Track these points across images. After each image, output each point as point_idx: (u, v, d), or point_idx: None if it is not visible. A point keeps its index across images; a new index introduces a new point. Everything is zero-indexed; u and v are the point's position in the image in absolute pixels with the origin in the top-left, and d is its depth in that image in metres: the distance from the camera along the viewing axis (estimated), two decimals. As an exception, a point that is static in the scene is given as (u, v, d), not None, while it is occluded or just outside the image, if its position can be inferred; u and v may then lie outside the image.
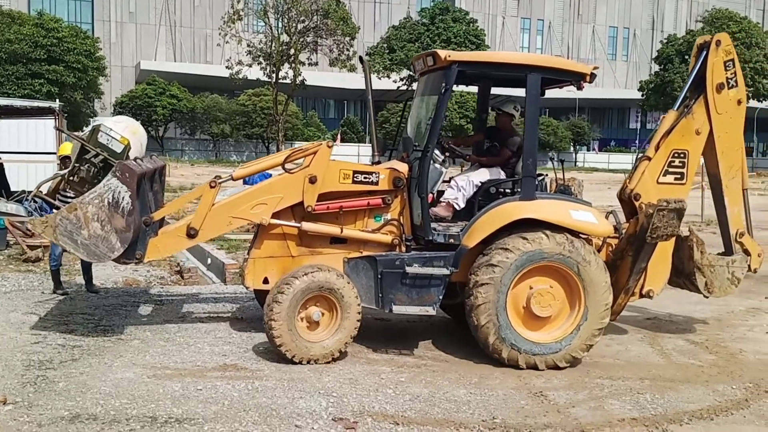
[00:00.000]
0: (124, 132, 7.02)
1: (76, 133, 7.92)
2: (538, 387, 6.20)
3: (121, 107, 50.32)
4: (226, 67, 47.68)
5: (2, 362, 6.27)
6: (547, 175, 7.62)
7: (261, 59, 48.03)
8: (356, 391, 5.92)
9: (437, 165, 7.06)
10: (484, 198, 7.16)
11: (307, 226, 6.90)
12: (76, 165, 6.97)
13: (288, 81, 47.79)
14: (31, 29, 40.87)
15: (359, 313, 6.60)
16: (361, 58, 8.28)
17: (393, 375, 6.40)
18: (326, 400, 5.67)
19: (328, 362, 6.54)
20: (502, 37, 71.48)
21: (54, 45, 41.32)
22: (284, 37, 47.65)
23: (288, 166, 6.96)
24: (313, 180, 6.82)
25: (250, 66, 47.57)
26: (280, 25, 47.72)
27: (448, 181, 7.49)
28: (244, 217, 6.94)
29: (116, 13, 59.16)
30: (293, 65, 47.65)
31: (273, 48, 47.48)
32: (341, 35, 47.13)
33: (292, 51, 47.34)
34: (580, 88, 7.24)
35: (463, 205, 7.29)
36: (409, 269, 6.79)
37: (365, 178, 6.99)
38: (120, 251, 6.41)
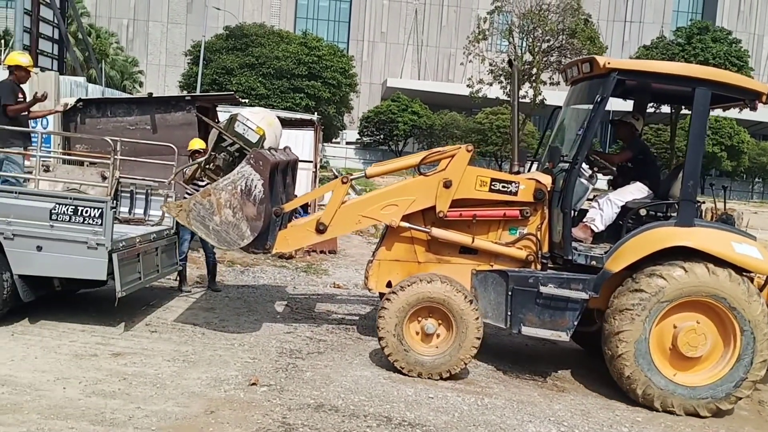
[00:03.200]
0: (260, 122, 7.12)
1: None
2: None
3: (367, 121, 53.45)
4: (467, 85, 48.55)
5: (259, 347, 6.95)
6: (703, 202, 6.92)
7: (502, 78, 48.28)
8: (588, 424, 5.74)
9: (584, 180, 6.56)
10: (633, 220, 6.56)
11: (437, 232, 6.70)
12: (213, 153, 7.18)
13: (527, 100, 47.50)
14: (296, 48, 44.87)
15: (478, 329, 6.25)
16: (510, 62, 7.91)
17: (629, 413, 6.10)
18: (556, 428, 5.56)
19: (441, 379, 6.37)
20: (769, 60, 64.77)
21: (314, 62, 44.94)
22: (527, 57, 47.47)
23: (423, 168, 6.75)
24: (447, 184, 6.59)
25: (491, 85, 47.98)
26: (524, 44, 47.66)
27: (593, 200, 6.95)
28: (373, 217, 6.84)
29: (369, 33, 63.08)
30: (534, 84, 47.28)
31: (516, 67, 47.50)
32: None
33: (534, 70, 47.03)
34: (753, 108, 6.41)
35: (601, 228, 6.75)
36: (543, 289, 6.37)
37: (504, 187, 6.65)
38: (249, 239, 6.52)
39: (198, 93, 30.29)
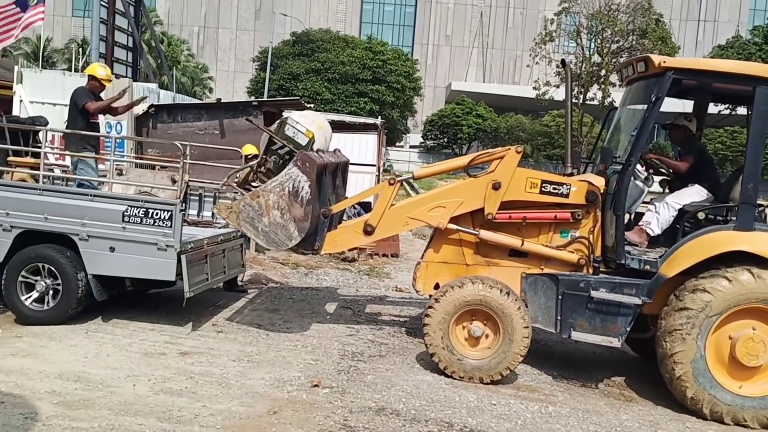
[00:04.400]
0: (310, 125, 7.13)
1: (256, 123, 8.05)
2: None
3: (431, 125, 53.37)
4: (534, 88, 47.97)
5: (322, 349, 7.01)
6: (766, 206, 6.65)
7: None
8: (656, 436, 5.51)
9: (638, 182, 6.38)
10: (690, 224, 6.34)
11: (485, 234, 6.60)
12: (264, 156, 7.22)
13: (596, 102, 46.54)
14: (361, 52, 45.26)
15: (526, 337, 6.14)
16: (563, 61, 7.65)
17: (700, 425, 5.89)
18: (624, 440, 5.36)
19: (488, 383, 6.29)
20: None
21: (379, 67, 45.24)
22: (596, 58, 46.54)
23: (471, 170, 6.65)
24: (496, 186, 6.48)
25: (558, 87, 47.25)
26: (592, 45, 46.75)
27: (649, 202, 6.75)
28: (421, 219, 6.77)
29: (434, 36, 63.00)
30: (602, 86, 46.31)
31: (583, 69, 46.64)
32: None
33: (602, 72, 46.09)
34: None
35: (657, 232, 6.55)
36: (594, 293, 6.21)
37: (555, 189, 6.50)
38: (297, 240, 6.55)
39: (265, 98, 30.85)
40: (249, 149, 9.29)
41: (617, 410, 6.09)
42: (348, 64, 44.38)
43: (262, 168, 7.22)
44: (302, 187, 6.49)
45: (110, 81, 8.95)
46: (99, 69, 8.83)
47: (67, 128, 8.58)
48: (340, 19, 61.49)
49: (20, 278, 7.14)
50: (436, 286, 6.77)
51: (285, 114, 8.49)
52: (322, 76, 44.13)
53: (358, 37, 52.38)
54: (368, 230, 6.84)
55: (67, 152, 8.63)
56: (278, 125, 7.20)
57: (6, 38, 15.26)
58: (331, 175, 7.47)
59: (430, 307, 6.37)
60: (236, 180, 7.52)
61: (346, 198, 7.82)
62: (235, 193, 8.39)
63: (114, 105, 8.93)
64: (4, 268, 7.18)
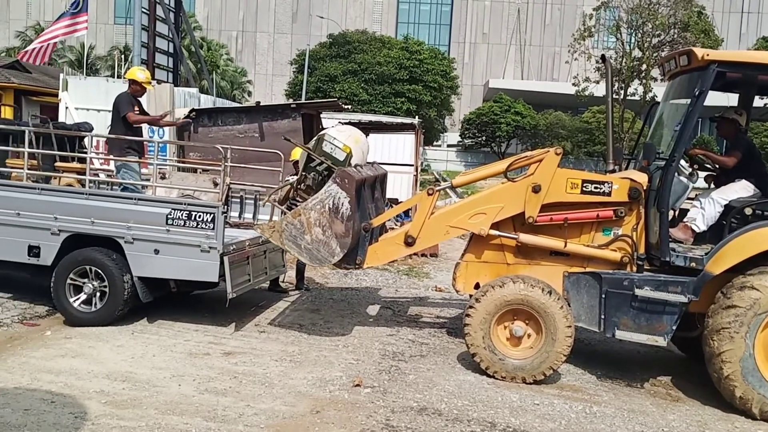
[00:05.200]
0: (347, 140, 7.17)
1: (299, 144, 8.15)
2: None
3: (468, 124, 53.04)
4: (573, 84, 47.31)
5: (363, 349, 7.04)
6: None
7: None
8: (704, 436, 5.40)
9: (682, 178, 6.27)
10: (737, 220, 6.18)
11: (525, 238, 6.56)
12: (303, 173, 7.27)
13: (637, 98, 45.76)
14: (397, 52, 45.20)
15: (569, 336, 6.08)
16: (603, 57, 7.51)
17: (749, 425, 5.77)
18: (671, 440, 5.27)
19: (530, 383, 6.25)
20: None
21: (415, 66, 45.10)
22: (636, 53, 45.75)
23: (510, 174, 6.58)
24: (536, 189, 6.43)
25: (598, 83, 46.52)
26: (632, 40, 45.97)
27: (694, 198, 6.60)
28: (462, 227, 6.75)
29: (471, 34, 62.63)
30: (644, 81, 45.50)
31: (624, 64, 45.90)
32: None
33: (643, 66, 45.28)
34: None
35: (703, 228, 6.40)
36: (639, 292, 6.12)
37: (596, 188, 6.44)
38: (340, 256, 6.61)
39: (303, 100, 31.08)
40: (298, 153, 9.36)
41: (664, 410, 5.98)
42: (385, 65, 44.33)
43: (302, 185, 7.29)
44: (342, 204, 6.55)
45: (150, 83, 9.12)
46: (139, 72, 9.00)
47: (110, 133, 8.77)
48: (377, 20, 61.55)
49: (68, 281, 7.33)
50: (477, 286, 6.75)
51: (322, 116, 8.54)
52: (359, 77, 44.19)
53: (395, 38, 52.27)
54: (409, 241, 6.86)
55: (111, 157, 8.81)
56: (316, 141, 7.26)
57: (44, 49, 15.63)
58: (369, 189, 7.54)
59: (471, 307, 6.35)
60: (280, 197, 7.61)
61: (386, 211, 7.86)
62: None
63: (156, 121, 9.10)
64: (53, 271, 7.38)
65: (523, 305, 6.22)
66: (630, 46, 46.16)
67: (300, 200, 7.45)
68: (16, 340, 6.76)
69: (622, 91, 46.29)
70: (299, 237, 6.59)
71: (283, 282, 9.76)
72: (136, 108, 8.81)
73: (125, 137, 8.46)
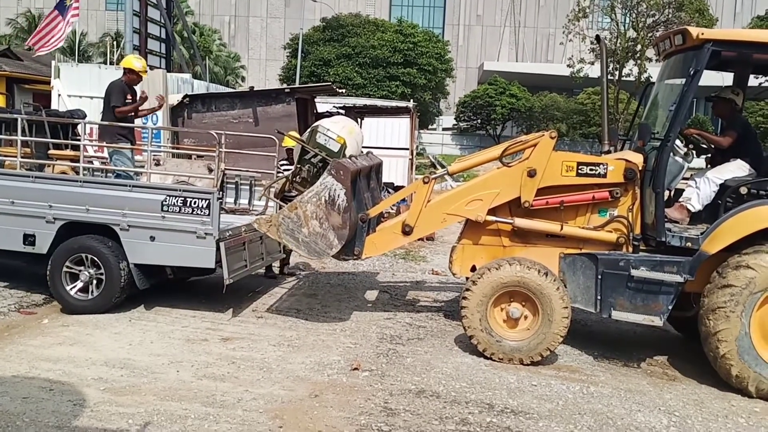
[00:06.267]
0: (341, 131, 7.18)
1: (293, 134, 8.20)
2: None
3: (463, 107, 52.92)
4: (568, 65, 47.19)
5: (360, 332, 7.06)
6: None
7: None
8: (702, 414, 5.52)
9: (678, 158, 6.27)
10: (733, 199, 6.20)
11: (521, 222, 6.58)
12: (298, 166, 7.28)
13: (632, 78, 45.69)
14: (391, 36, 44.96)
15: (566, 317, 6.11)
16: (597, 37, 7.52)
17: (745, 403, 5.83)
18: (668, 419, 5.37)
19: (528, 364, 6.28)
20: None
21: (410, 49, 44.89)
22: (631, 33, 45.62)
23: (506, 159, 6.58)
24: (532, 173, 6.43)
25: (592, 64, 46.41)
26: (627, 20, 45.83)
27: (689, 178, 6.63)
28: (458, 214, 6.76)
29: (465, 16, 62.32)
30: (639, 62, 45.38)
31: (618, 44, 45.77)
32: (695, 29, 43.34)
33: (638, 47, 45.17)
34: None
35: (698, 207, 6.44)
36: (635, 272, 6.14)
37: (591, 169, 6.44)
38: (338, 248, 6.62)
39: (297, 85, 30.93)
40: (289, 141, 9.31)
41: (660, 389, 6.02)
42: (379, 48, 44.11)
43: (297, 178, 7.29)
44: (338, 195, 6.55)
45: (146, 72, 9.04)
46: (135, 61, 8.92)
47: (101, 120, 8.71)
48: (370, 3, 61.17)
49: (65, 269, 7.32)
50: (473, 269, 6.76)
51: (317, 100, 8.48)
52: (353, 61, 43.96)
53: (389, 21, 52.01)
54: (406, 230, 6.86)
55: (104, 144, 8.76)
56: (309, 133, 7.25)
57: (53, 44, 15.52)
58: (365, 179, 7.54)
59: (468, 289, 6.37)
60: (276, 191, 7.59)
61: (382, 200, 7.85)
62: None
63: (140, 109, 9.00)
64: (49, 260, 7.36)
65: (520, 287, 6.24)
66: (624, 26, 46.06)
67: (296, 193, 7.45)
68: (14, 328, 6.75)
69: (617, 72, 46.23)
70: (296, 230, 6.59)
71: (288, 266, 9.79)
72: (129, 96, 8.74)
73: (118, 124, 8.41)
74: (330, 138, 7.06)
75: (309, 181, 7.06)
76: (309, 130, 7.38)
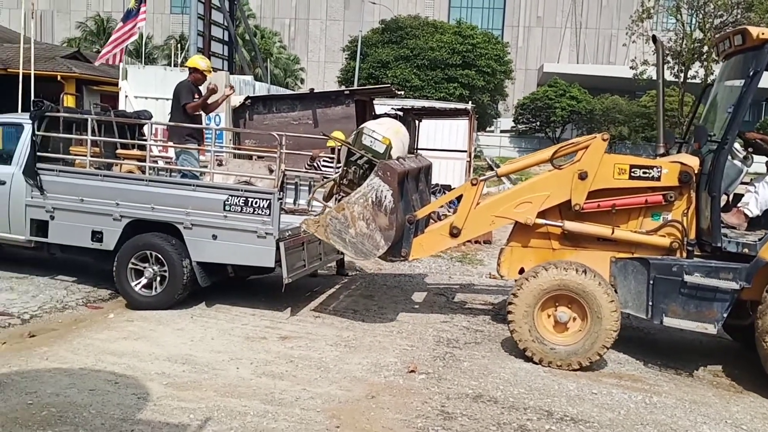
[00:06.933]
0: (386, 133, 7.14)
1: (337, 134, 8.05)
2: None
3: (522, 109, 52.33)
4: (630, 67, 46.16)
5: (417, 335, 7.05)
6: None
7: (669, 58, 45.36)
8: (772, 429, 5.24)
9: (736, 162, 6.07)
10: None
11: (571, 225, 6.44)
12: (345, 168, 7.27)
13: (698, 80, 44.41)
14: (450, 37, 44.78)
15: (615, 311, 5.97)
16: (654, 37, 7.24)
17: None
18: (734, 432, 5.13)
19: (575, 369, 6.14)
20: None
21: (468, 51, 44.63)
22: (697, 34, 44.33)
23: (557, 161, 6.43)
24: (583, 176, 6.30)
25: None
26: (693, 21, 44.54)
27: (749, 183, 6.41)
28: (507, 216, 6.66)
29: (525, 18, 61.62)
30: (705, 64, 44.07)
31: (684, 46, 44.55)
32: (765, 29, 41.86)
33: (705, 48, 43.85)
34: None
35: (757, 213, 6.21)
36: (688, 278, 5.97)
37: (644, 173, 6.28)
38: (384, 249, 6.60)
39: (356, 87, 31.14)
40: (332, 142, 9.37)
41: (727, 401, 5.82)
42: (437, 50, 44.00)
43: (344, 180, 7.32)
44: (385, 196, 6.56)
45: (211, 72, 9.24)
46: (200, 61, 9.11)
47: (170, 121, 8.93)
48: (429, 5, 61.07)
49: (130, 265, 7.52)
50: (521, 271, 6.69)
51: (375, 102, 8.50)
52: (411, 63, 43.95)
53: (447, 22, 51.83)
54: (454, 233, 6.82)
55: (170, 144, 8.98)
56: (355, 135, 7.28)
57: (119, 56, 16.01)
58: (413, 180, 7.52)
59: (511, 302, 6.33)
60: (324, 194, 7.66)
61: (431, 202, 7.80)
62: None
63: (208, 102, 9.17)
64: (115, 256, 7.58)
65: (562, 290, 6.16)
66: (691, 27, 44.77)
67: (342, 195, 7.48)
68: (81, 322, 6.98)
69: (682, 74, 45.01)
70: (344, 231, 6.62)
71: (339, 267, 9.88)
72: (196, 96, 8.92)
73: (185, 125, 8.59)
74: (375, 139, 7.07)
75: (356, 183, 7.10)
76: (355, 132, 7.42)
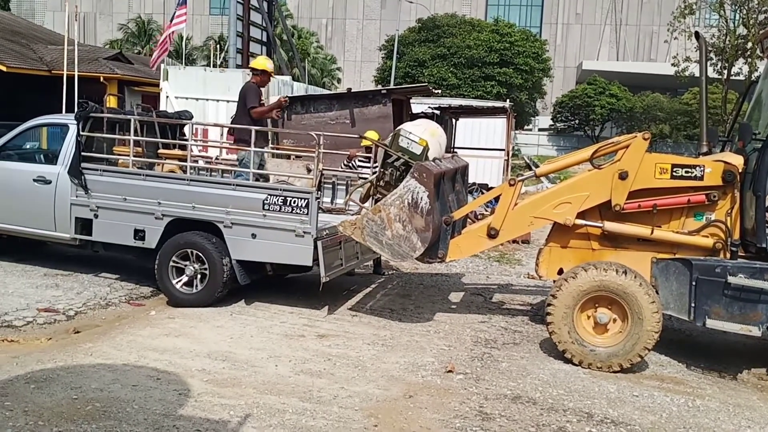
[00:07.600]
0: (423, 134, 7.11)
1: (370, 134, 7.93)
2: None
3: (561, 107, 51.82)
4: (672, 64, 45.33)
5: (454, 335, 7.03)
6: None
7: (712, 54, 44.42)
8: (819, 435, 5.10)
9: None
10: None
11: (611, 226, 6.35)
12: (382, 170, 7.27)
13: (742, 78, 43.41)
14: (487, 35, 44.54)
15: (656, 311, 5.86)
16: (697, 33, 7.06)
17: None
18: (781, 437, 5.00)
19: (616, 371, 6.06)
20: None
21: (506, 49, 44.33)
22: (741, 30, 43.33)
23: (596, 161, 6.34)
24: (623, 176, 6.21)
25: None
26: (737, 17, 43.54)
27: None
28: (546, 217, 6.57)
29: (563, 15, 60.96)
30: (749, 60, 43.05)
31: (727, 42, 43.59)
32: (814, 23, 40.77)
33: (749, 44, 42.85)
34: None
35: None
36: (732, 279, 5.82)
37: (687, 172, 6.16)
38: (421, 250, 6.57)
39: (393, 86, 31.14)
40: (366, 141, 9.37)
41: (774, 405, 5.69)
42: (474, 48, 43.78)
43: (381, 182, 7.33)
44: (421, 198, 6.54)
45: (274, 74, 9.30)
46: (267, 63, 9.07)
47: (233, 122, 9.03)
48: (466, 3, 60.81)
49: (171, 263, 7.65)
50: (560, 272, 6.63)
51: (412, 101, 8.47)
52: (448, 62, 43.79)
53: (485, 20, 51.55)
54: (492, 234, 6.77)
55: (235, 146, 9.06)
56: (392, 137, 7.28)
57: (163, 53, 16.33)
58: (450, 181, 7.49)
59: (550, 304, 6.26)
60: (361, 196, 7.69)
61: (467, 203, 7.79)
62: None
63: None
64: (157, 254, 7.72)
65: (601, 291, 6.08)
66: (734, 23, 43.76)
67: (379, 197, 7.50)
68: (124, 318, 7.12)
69: (726, 71, 44.04)
70: (380, 233, 6.62)
71: (376, 266, 9.90)
72: (261, 98, 8.96)
73: (240, 126, 8.53)
74: (412, 141, 7.07)
75: (392, 185, 7.10)
76: (392, 134, 7.41)
